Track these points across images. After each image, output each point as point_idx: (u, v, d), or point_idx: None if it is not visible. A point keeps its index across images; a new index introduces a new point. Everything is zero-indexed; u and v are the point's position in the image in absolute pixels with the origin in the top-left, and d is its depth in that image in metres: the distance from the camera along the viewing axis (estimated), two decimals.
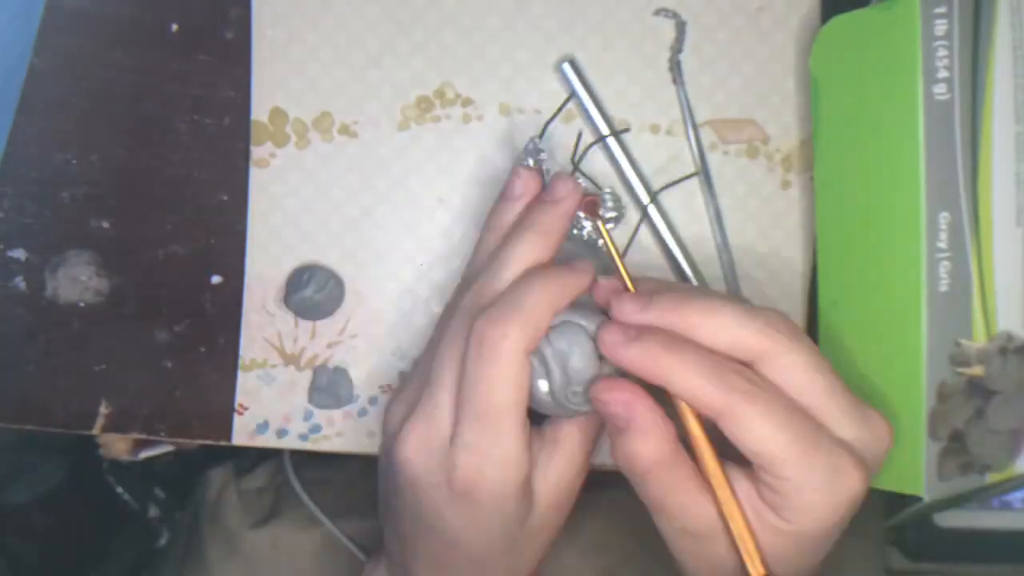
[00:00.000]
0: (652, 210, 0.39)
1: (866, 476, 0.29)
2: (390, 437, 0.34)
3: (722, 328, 0.30)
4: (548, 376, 0.31)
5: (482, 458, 0.31)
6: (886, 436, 0.31)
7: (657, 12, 0.38)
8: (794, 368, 0.29)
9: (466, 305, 0.32)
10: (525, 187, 0.35)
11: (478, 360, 0.30)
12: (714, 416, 0.29)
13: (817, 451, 0.29)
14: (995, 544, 0.44)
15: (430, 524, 0.33)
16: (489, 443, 0.30)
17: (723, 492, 0.30)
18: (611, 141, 0.38)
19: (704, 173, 0.39)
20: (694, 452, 0.31)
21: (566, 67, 0.38)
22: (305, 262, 0.38)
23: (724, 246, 0.40)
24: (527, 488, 0.32)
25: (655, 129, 0.39)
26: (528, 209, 0.34)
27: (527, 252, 0.33)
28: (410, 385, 0.34)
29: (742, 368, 0.30)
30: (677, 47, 0.38)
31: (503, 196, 0.35)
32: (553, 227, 0.33)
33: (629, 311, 0.31)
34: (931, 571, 0.44)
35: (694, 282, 0.40)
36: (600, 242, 0.37)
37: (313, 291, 0.38)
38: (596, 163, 0.39)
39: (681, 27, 0.38)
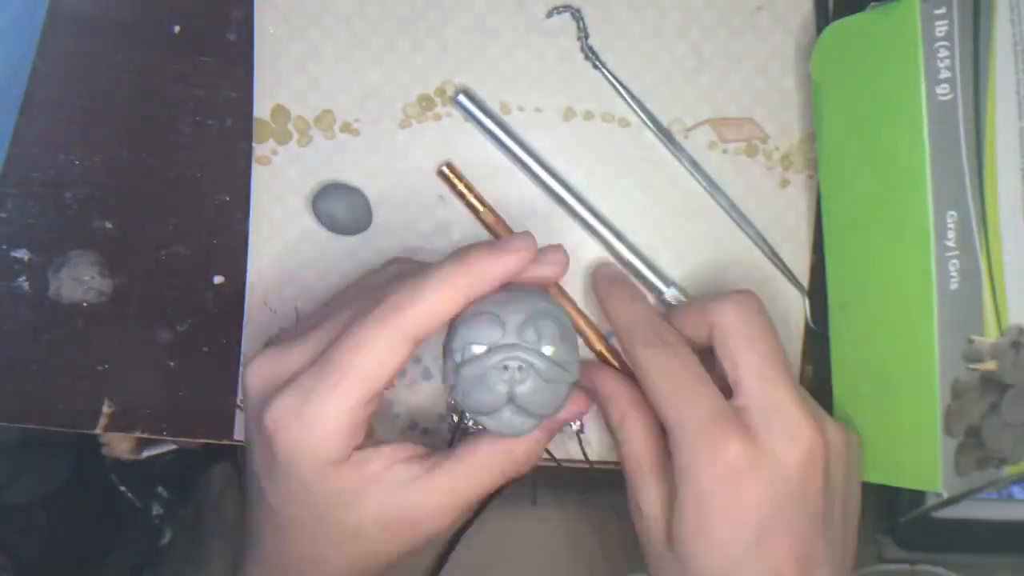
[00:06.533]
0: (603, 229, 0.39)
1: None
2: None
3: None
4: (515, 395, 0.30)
5: (299, 408, 0.29)
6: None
7: (550, 13, 0.38)
8: None
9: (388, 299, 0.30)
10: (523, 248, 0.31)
11: (362, 319, 0.29)
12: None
13: None
14: (989, 534, 0.44)
15: (256, 487, 0.31)
16: (316, 399, 0.29)
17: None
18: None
19: (697, 168, 0.40)
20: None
21: (462, 98, 0.38)
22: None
23: (753, 230, 0.40)
24: (348, 476, 0.30)
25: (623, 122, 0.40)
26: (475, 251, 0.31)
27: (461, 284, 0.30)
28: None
29: None
30: (584, 33, 0.38)
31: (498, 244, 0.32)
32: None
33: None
34: (924, 561, 0.44)
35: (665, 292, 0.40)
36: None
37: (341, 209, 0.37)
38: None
39: (577, 15, 0.38)
